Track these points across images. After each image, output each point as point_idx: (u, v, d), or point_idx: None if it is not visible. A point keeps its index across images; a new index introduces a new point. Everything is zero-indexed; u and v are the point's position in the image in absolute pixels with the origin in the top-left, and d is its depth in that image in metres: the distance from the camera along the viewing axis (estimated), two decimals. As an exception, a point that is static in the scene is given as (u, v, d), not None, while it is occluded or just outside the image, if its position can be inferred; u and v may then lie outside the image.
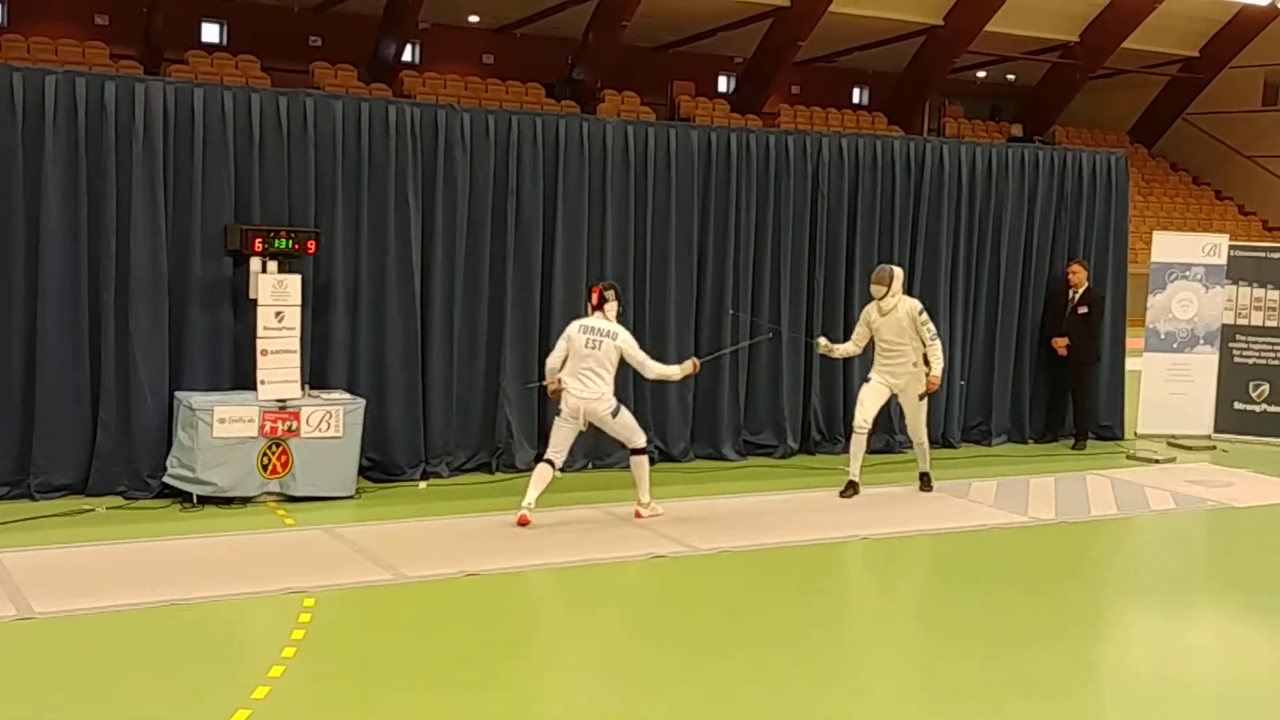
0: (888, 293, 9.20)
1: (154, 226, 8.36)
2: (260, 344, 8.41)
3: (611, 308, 8.20)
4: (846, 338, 10.56)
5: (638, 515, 8.36)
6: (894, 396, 9.49)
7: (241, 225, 8.52)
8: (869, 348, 9.50)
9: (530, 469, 9.52)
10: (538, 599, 6.81)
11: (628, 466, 9.78)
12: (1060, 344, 11.55)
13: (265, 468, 8.30)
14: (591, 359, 8.06)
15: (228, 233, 8.55)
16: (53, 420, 8.21)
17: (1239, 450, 11.77)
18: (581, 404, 8.08)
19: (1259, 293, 12.39)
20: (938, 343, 9.30)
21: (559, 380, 8.15)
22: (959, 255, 11.35)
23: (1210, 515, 9.50)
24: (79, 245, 8.22)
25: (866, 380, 9.45)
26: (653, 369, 8.29)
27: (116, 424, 8.33)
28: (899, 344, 9.22)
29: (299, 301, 8.56)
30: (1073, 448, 11.57)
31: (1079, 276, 11.55)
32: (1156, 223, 26.74)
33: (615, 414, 8.19)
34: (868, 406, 9.31)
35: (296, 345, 8.54)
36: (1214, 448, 11.90)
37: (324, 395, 8.65)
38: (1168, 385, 12.35)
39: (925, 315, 9.25)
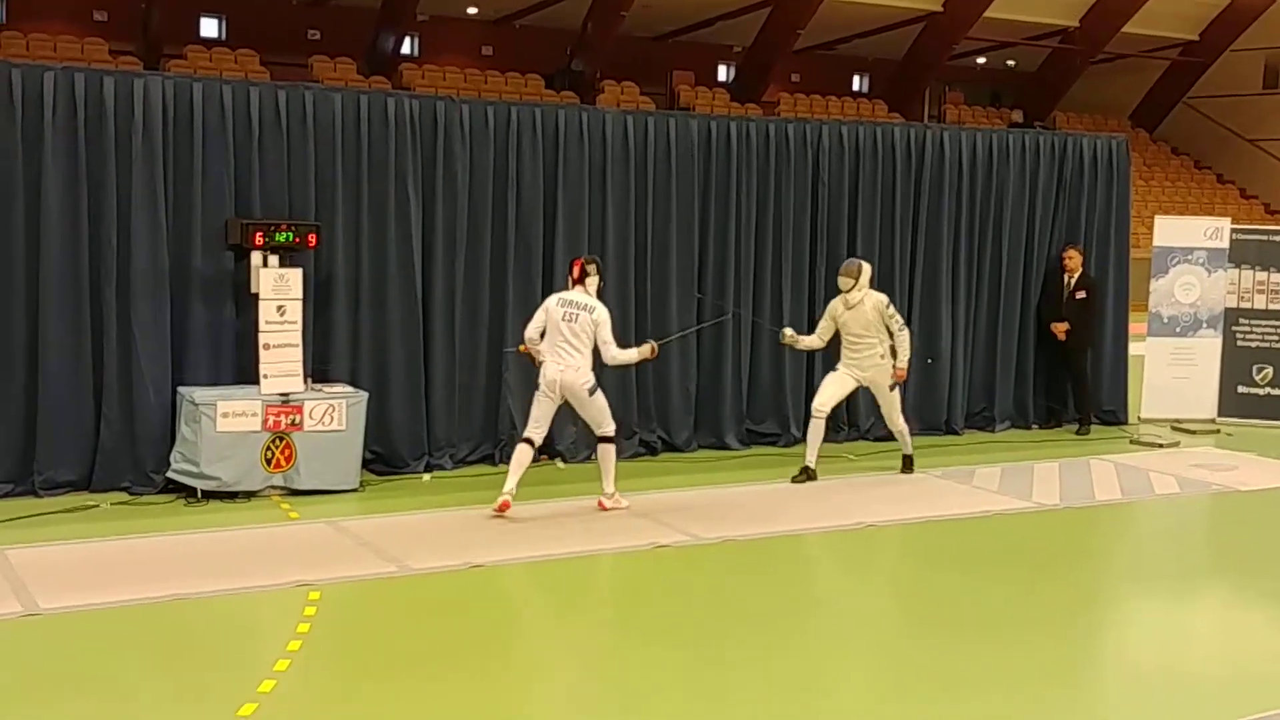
0: (855, 286, 9.28)
1: (154, 222, 8.35)
2: (262, 338, 8.41)
3: (592, 282, 8.13)
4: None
5: (601, 506, 8.23)
6: (862, 388, 9.60)
7: (242, 219, 8.51)
8: (833, 341, 9.55)
9: (534, 460, 9.58)
10: (542, 590, 6.82)
11: (631, 457, 9.88)
12: (1060, 329, 11.54)
13: (269, 461, 8.30)
14: (568, 331, 7.98)
15: (228, 227, 8.54)
16: (56, 417, 8.21)
17: (1243, 433, 11.76)
18: (559, 376, 7.99)
19: (1261, 276, 12.37)
20: (906, 332, 9.41)
21: (538, 351, 8.10)
22: (960, 242, 11.33)
23: (1215, 499, 9.49)
24: (80, 241, 8.21)
25: (833, 371, 9.54)
26: (613, 353, 8.08)
27: (120, 419, 8.33)
28: (865, 337, 9.31)
29: (300, 295, 8.56)
30: (1076, 433, 11.57)
31: (1074, 262, 11.53)
32: (1158, 207, 26.69)
33: (592, 393, 8.06)
34: (828, 393, 9.42)
35: (298, 339, 8.54)
36: (1218, 431, 11.89)
37: (326, 388, 8.65)
38: (1171, 369, 12.35)
39: (892, 308, 9.37)
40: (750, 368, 10.57)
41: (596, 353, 8.12)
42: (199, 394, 8.26)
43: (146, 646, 5.78)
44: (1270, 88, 31.58)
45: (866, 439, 10.89)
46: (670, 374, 10.20)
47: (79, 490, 8.27)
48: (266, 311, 8.43)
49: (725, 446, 10.41)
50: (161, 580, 6.59)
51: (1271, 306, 12.33)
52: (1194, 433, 11.79)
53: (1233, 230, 12.54)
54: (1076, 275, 11.51)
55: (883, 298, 9.39)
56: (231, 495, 8.22)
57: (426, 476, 9.15)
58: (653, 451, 10.11)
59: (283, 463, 8.34)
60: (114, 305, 8.29)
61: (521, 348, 8.37)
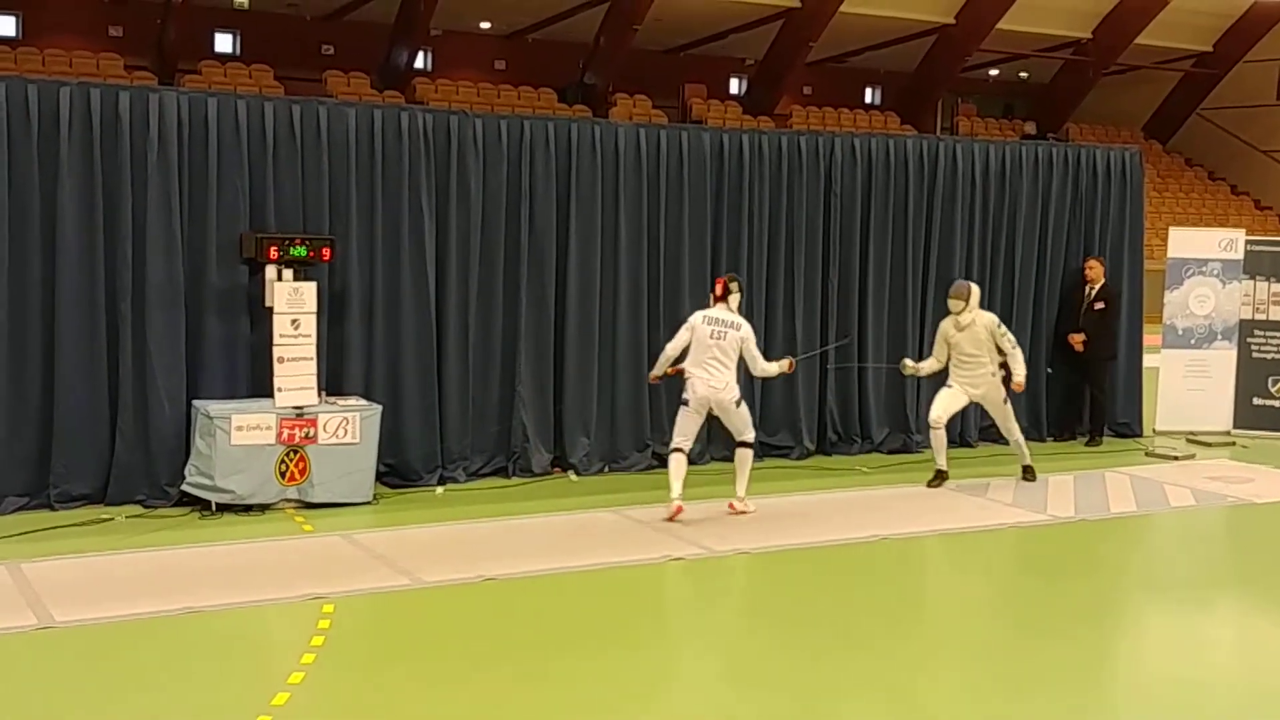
0: (965, 308, 9.53)
1: (170, 236, 8.39)
2: (276, 351, 8.44)
3: (735, 299, 8.48)
4: (861, 334, 10.62)
5: (731, 508, 8.54)
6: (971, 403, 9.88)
7: (257, 233, 8.55)
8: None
9: (547, 472, 9.61)
10: (556, 603, 6.81)
11: (644, 469, 9.88)
12: (1077, 340, 11.50)
13: (283, 475, 8.32)
14: (716, 349, 8.31)
15: (243, 241, 8.58)
16: (71, 430, 8.25)
17: (1258, 446, 11.70)
18: (710, 393, 8.31)
19: (1276, 287, 12.31)
20: (1019, 350, 9.69)
21: (682, 369, 8.42)
22: (974, 254, 11.32)
23: (1231, 511, 9.44)
24: (95, 255, 8.26)
25: (946, 386, 9.72)
26: (762, 366, 8.54)
27: (135, 433, 8.36)
28: (977, 356, 9.57)
29: (314, 308, 8.59)
30: (1088, 444, 11.52)
31: (1095, 272, 11.51)
32: (1172, 218, 26.59)
33: (738, 404, 8.43)
34: (942, 406, 9.64)
35: (313, 352, 8.56)
36: (1233, 443, 11.84)
37: (340, 401, 8.68)
38: (1186, 381, 12.29)
39: (1004, 327, 9.63)
40: (763, 380, 10.55)
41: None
42: (214, 407, 8.29)
43: (161, 659, 5.79)
44: (1284, 99, 31.51)
45: (880, 451, 10.87)
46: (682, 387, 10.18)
47: (94, 503, 8.30)
48: (281, 325, 8.46)
49: (738, 459, 10.39)
50: (176, 593, 6.61)
51: (1287, 318, 12.28)
52: (1209, 445, 11.74)
53: (1247, 242, 12.50)
54: (1098, 286, 11.48)
55: (993, 318, 9.65)
56: (246, 508, 8.24)
57: (440, 489, 9.16)
58: (665, 463, 10.06)
59: (297, 476, 8.36)
60: (129, 318, 8.33)
61: (669, 370, 8.58)
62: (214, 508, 8.22)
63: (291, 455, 8.33)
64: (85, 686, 5.46)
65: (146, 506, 8.31)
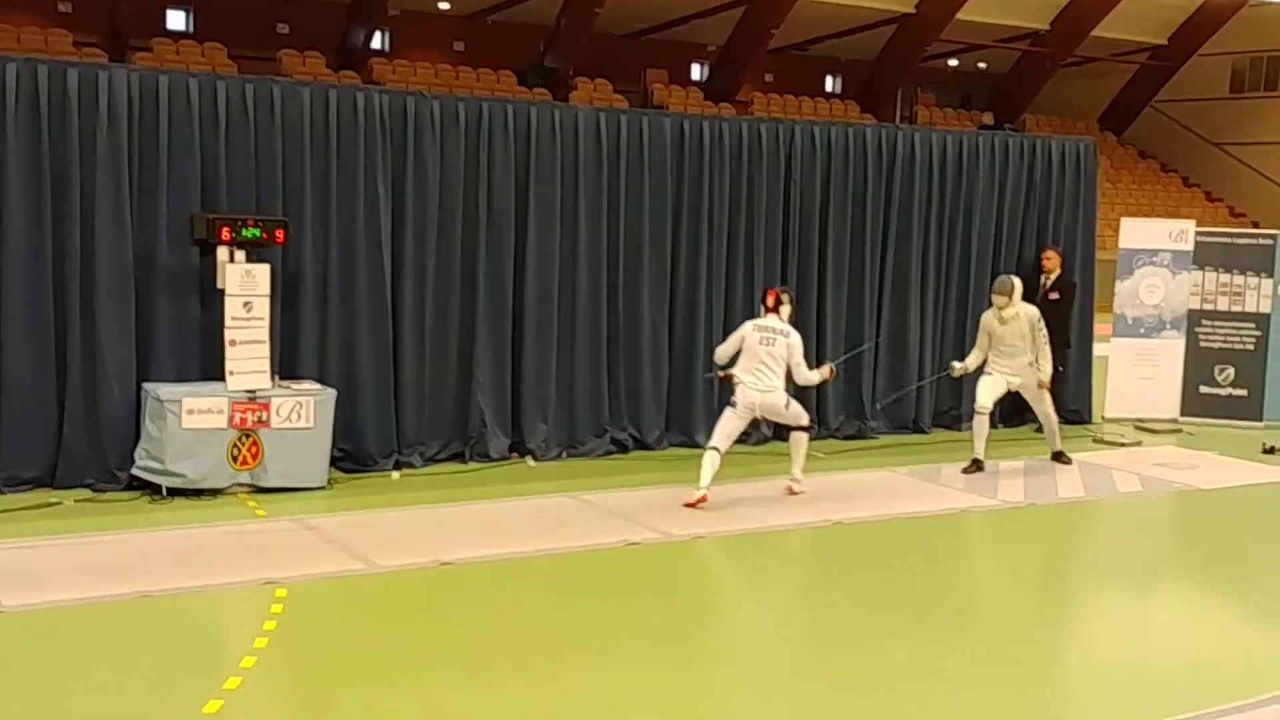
0: (1009, 303, 9.82)
1: (119, 217, 8.27)
2: (228, 334, 8.35)
3: (786, 310, 8.75)
4: (820, 320, 10.69)
5: (789, 490, 8.87)
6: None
7: (208, 214, 8.45)
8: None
9: (504, 458, 9.59)
10: (513, 588, 6.80)
11: (602, 455, 9.90)
12: (1031, 329, 11.60)
13: (235, 459, 8.25)
14: (765, 354, 8.56)
15: (194, 222, 8.47)
16: (19, 413, 8.12)
17: (1205, 433, 11.89)
18: (758, 397, 8.55)
19: (1225, 278, 12.50)
20: (1048, 348, 10.05)
21: (732, 374, 8.64)
22: (930, 242, 11.40)
23: (1177, 497, 9.60)
24: (43, 236, 8.12)
25: (986, 374, 10.01)
26: (805, 375, 8.76)
27: (84, 416, 8.25)
28: (1018, 346, 9.91)
29: (268, 291, 8.50)
30: (1036, 431, 11.64)
31: (1052, 262, 11.62)
32: (1125, 209, 26.90)
33: (788, 406, 8.72)
34: (986, 393, 9.95)
35: (266, 335, 8.48)
36: (1180, 431, 12.02)
37: (294, 385, 8.60)
38: (1135, 370, 12.47)
39: (1042, 322, 9.95)
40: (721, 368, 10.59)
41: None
42: (164, 390, 8.19)
43: (111, 645, 5.73)
44: (1237, 92, 31.93)
45: (836, 437, 10.94)
46: (642, 371, 10.21)
47: (42, 487, 8.19)
48: (233, 307, 8.37)
49: (696, 444, 10.37)
50: (126, 578, 6.54)
51: (1234, 308, 12.47)
52: (1156, 432, 11.91)
53: (1197, 233, 12.67)
54: (1054, 276, 11.60)
55: (1035, 311, 9.97)
56: (197, 493, 8.16)
57: (395, 474, 9.12)
58: (623, 449, 10.12)
59: (249, 460, 8.28)
60: (78, 301, 8.21)
61: (721, 374, 8.81)
62: (165, 492, 8.13)
63: (244, 439, 8.25)
64: (35, 672, 5.39)
65: (96, 490, 8.21)
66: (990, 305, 10.06)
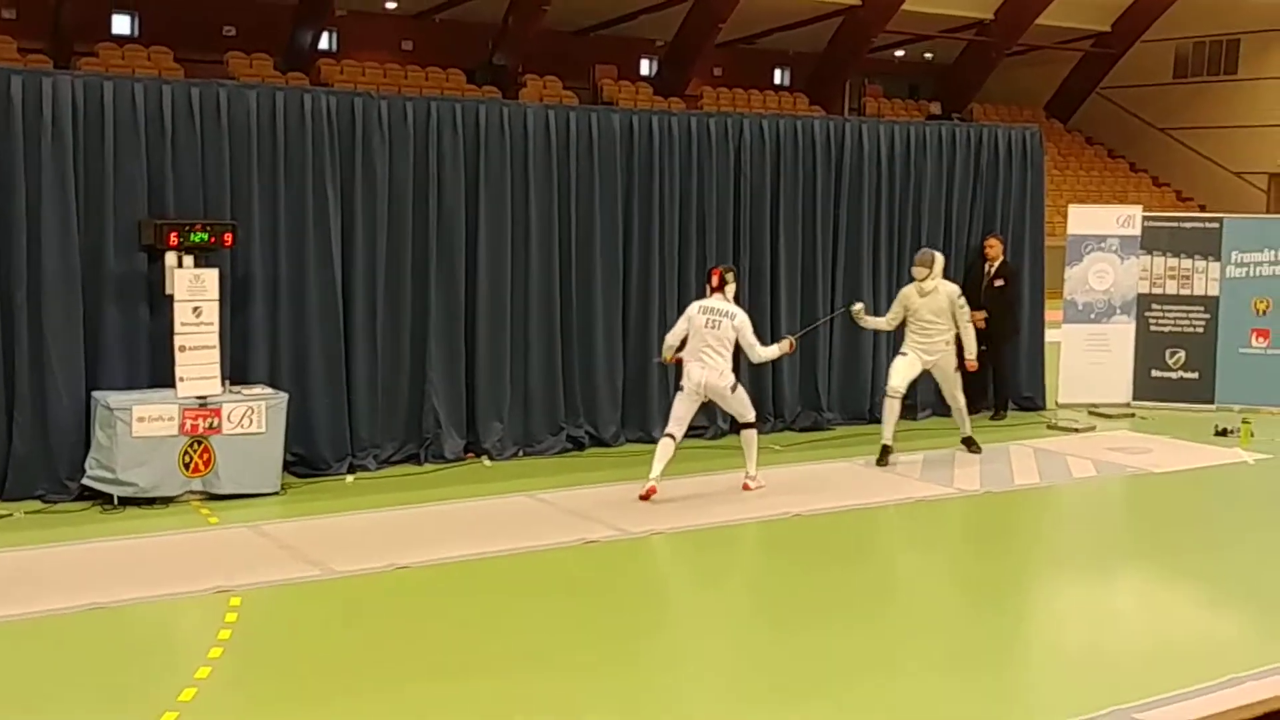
0: (929, 275, 9.79)
1: (65, 223, 8.15)
2: (178, 340, 8.26)
3: (730, 289, 8.70)
4: (774, 310, 10.73)
5: (745, 487, 8.76)
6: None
7: (156, 219, 8.34)
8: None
9: (460, 458, 9.55)
10: (470, 591, 6.78)
11: (559, 453, 9.88)
12: (978, 317, 11.66)
13: (187, 466, 8.16)
14: (711, 337, 8.53)
15: (141, 227, 8.36)
16: (-36, 425, 7.99)
17: (1157, 417, 12.05)
18: (704, 378, 8.53)
19: (1173, 262, 12.66)
20: (971, 327, 9.97)
21: (678, 357, 8.65)
22: (880, 232, 11.47)
23: (1131, 481, 9.72)
24: (-14, 244, 8.00)
25: (901, 354, 9.97)
26: (759, 353, 8.74)
27: (32, 426, 8.13)
28: (936, 323, 9.84)
29: (217, 296, 8.41)
30: (992, 418, 11.76)
31: (995, 250, 11.72)
32: (1073, 196, 27.18)
33: (733, 390, 8.65)
34: (900, 375, 9.88)
35: (215, 340, 8.39)
36: (1133, 415, 12.17)
37: (245, 390, 8.52)
38: (1087, 355, 12.60)
39: (962, 299, 9.88)
40: (676, 363, 10.59)
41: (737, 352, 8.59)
42: (114, 398, 8.09)
43: (64, 657, 5.65)
44: (1180, 77, 32.35)
45: (792, 430, 10.99)
46: (597, 368, 10.20)
47: (-10, 499, 8.06)
48: (182, 313, 8.28)
49: (653, 440, 10.31)
50: (78, 589, 6.45)
51: (1183, 292, 12.64)
52: (1109, 417, 12.06)
53: (1144, 218, 12.83)
54: (997, 264, 11.71)
55: (955, 289, 9.94)
56: (149, 501, 8.06)
57: (350, 478, 9.05)
58: (579, 446, 10.10)
59: (201, 467, 8.20)
60: (24, 308, 8.08)
61: (668, 357, 8.80)
62: (116, 501, 8.03)
63: (195, 446, 8.16)
64: (-18, 688, 5.31)
65: (46, 501, 8.09)
66: (910, 279, 10.03)
